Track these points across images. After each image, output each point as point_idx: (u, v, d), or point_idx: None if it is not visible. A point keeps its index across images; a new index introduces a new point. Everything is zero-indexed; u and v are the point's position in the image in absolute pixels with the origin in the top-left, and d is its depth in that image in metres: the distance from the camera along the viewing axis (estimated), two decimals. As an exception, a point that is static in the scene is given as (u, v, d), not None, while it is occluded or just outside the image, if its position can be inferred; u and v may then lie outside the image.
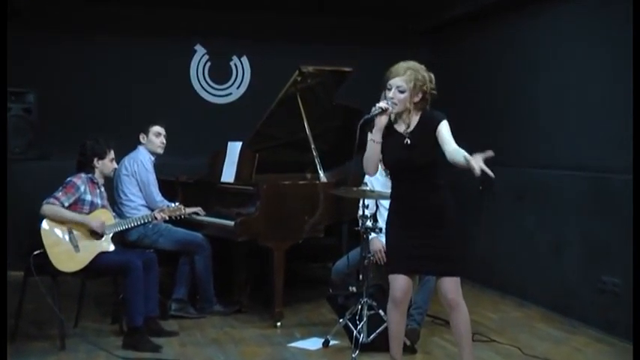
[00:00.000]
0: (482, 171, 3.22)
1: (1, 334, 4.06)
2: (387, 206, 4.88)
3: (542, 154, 5.90)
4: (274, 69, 6.71)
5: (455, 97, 6.89)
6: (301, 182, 5.67)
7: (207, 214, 5.53)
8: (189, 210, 5.33)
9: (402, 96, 3.57)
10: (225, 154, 5.76)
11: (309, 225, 5.26)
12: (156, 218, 5.05)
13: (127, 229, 5.04)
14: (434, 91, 3.64)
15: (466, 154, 3.38)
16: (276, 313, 5.23)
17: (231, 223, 5.15)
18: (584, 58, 5.44)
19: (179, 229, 5.44)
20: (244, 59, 7.55)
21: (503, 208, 6.15)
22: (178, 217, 5.16)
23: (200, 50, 7.44)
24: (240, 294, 5.74)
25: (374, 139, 3.61)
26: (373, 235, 4.68)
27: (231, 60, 7.55)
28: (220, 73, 7.50)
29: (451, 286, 3.64)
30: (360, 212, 4.61)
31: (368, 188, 4.65)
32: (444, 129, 3.58)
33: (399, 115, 3.65)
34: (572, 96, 5.55)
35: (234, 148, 5.70)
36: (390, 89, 3.58)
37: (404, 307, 3.81)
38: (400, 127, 3.67)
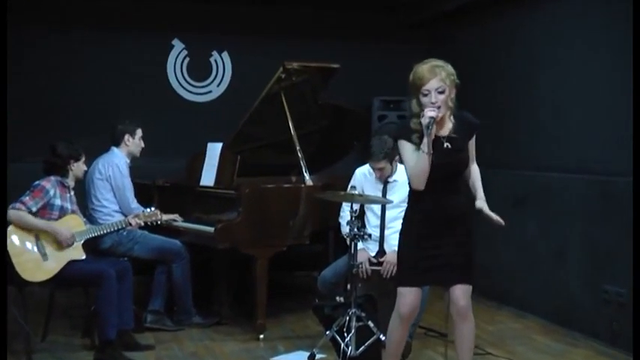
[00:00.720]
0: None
1: (1, 336, 4.07)
2: (377, 211, 4.94)
3: (542, 156, 5.92)
4: (257, 65, 6.71)
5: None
6: (285, 186, 5.67)
7: (186, 220, 5.51)
8: (165, 217, 5.32)
9: (442, 97, 3.52)
10: (205, 155, 5.76)
11: (293, 231, 5.26)
12: (130, 224, 5.03)
13: (100, 236, 5.03)
14: (457, 81, 3.63)
15: (483, 201, 3.77)
16: (259, 325, 5.22)
17: (211, 229, 5.13)
18: (584, 56, 5.46)
19: (155, 235, 5.42)
20: (225, 55, 7.53)
21: (502, 212, 6.13)
22: (154, 223, 5.14)
23: (178, 45, 7.41)
24: (221, 305, 5.73)
25: (425, 151, 3.46)
26: (360, 245, 4.66)
27: (211, 56, 7.53)
28: (200, 70, 7.47)
29: (464, 293, 3.67)
30: (348, 217, 4.60)
31: (356, 192, 4.64)
32: (474, 143, 3.71)
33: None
34: (573, 95, 5.57)
35: (214, 150, 5.69)
36: (426, 94, 3.50)
37: (408, 324, 3.83)
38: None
